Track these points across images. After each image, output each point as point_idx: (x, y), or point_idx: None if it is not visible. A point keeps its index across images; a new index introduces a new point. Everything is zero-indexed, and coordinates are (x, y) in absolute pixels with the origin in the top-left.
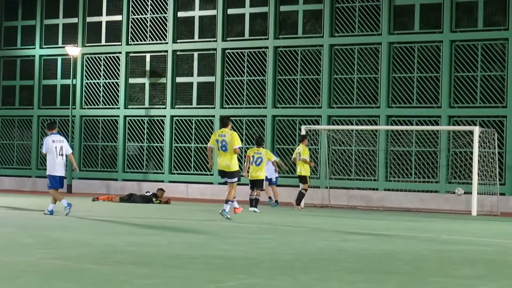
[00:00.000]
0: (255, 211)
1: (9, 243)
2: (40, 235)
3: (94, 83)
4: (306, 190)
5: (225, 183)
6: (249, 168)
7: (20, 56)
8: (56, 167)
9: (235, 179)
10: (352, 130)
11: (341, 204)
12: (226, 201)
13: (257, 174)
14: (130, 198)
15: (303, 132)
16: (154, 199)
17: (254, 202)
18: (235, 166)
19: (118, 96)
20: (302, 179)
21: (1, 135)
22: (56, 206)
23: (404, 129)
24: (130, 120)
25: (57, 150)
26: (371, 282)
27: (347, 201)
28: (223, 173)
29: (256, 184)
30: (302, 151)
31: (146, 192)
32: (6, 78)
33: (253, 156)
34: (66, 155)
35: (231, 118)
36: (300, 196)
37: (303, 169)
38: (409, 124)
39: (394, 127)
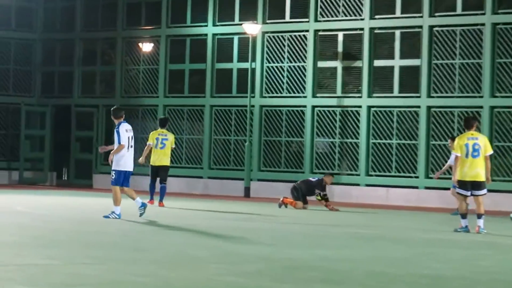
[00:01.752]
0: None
1: (179, 255)
2: (214, 247)
3: (276, 67)
4: None
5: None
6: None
7: (190, 35)
8: (127, 161)
9: (484, 191)
10: None
11: None
12: (479, 216)
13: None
14: (298, 192)
15: None
16: (317, 192)
17: None
18: (484, 175)
19: (305, 82)
20: None
21: (172, 127)
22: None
23: None
24: (319, 111)
25: (129, 141)
26: None
27: None
28: (471, 185)
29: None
30: None
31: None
32: (173, 60)
33: None
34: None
35: (440, 110)
36: None
37: None
38: None
39: None
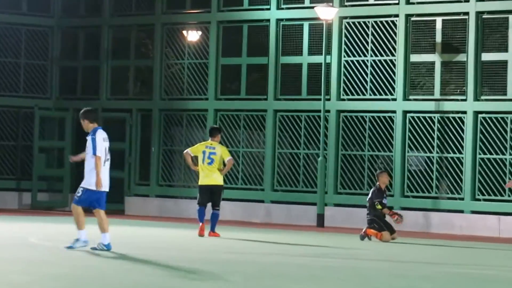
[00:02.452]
0: None
1: None
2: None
3: (357, 61)
4: None
5: None
6: None
7: (248, 20)
8: (104, 178)
9: None
10: None
11: None
12: None
13: None
14: (377, 222)
15: None
16: (376, 201)
17: None
18: None
19: (394, 81)
20: None
21: (225, 138)
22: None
23: None
24: (412, 117)
25: (106, 153)
26: None
27: None
28: None
29: None
30: None
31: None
32: (227, 53)
33: None
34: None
35: None
36: None
37: None
38: None
39: None
